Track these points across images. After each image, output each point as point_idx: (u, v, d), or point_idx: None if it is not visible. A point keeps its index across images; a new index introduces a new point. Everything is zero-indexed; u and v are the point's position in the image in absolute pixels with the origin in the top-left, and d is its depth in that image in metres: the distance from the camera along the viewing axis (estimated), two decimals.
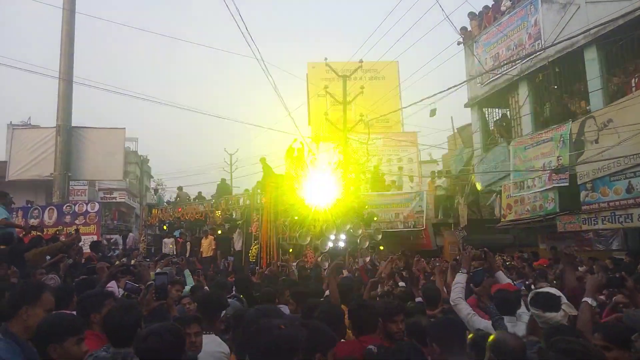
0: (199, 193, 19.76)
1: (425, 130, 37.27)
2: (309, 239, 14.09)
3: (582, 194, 11.50)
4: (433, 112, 15.69)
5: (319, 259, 13.85)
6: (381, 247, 15.59)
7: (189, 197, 19.75)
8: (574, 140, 11.85)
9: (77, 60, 13.46)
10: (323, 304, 3.93)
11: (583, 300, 3.44)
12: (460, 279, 4.10)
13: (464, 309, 3.82)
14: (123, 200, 35.47)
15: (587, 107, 12.37)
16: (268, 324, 2.14)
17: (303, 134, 25.69)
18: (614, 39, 11.22)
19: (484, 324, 3.62)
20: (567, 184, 11.88)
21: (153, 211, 18.60)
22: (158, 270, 6.16)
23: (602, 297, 5.15)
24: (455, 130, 19.27)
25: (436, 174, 19.71)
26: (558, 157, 12.19)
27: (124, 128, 15.51)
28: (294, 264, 12.87)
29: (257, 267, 12.95)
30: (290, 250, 13.61)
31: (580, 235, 12.65)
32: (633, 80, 11.17)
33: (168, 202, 20.80)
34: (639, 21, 10.36)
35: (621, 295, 4.21)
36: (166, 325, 2.61)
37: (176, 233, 17.90)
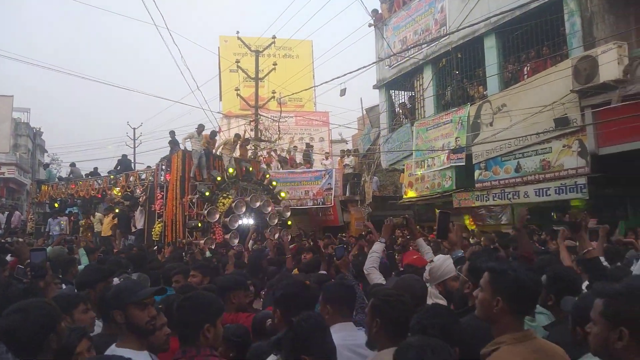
0: (95, 169, 18.45)
1: (336, 110, 37.84)
2: (217, 216, 13.79)
3: (476, 172, 12.30)
4: (343, 92, 15.86)
5: (228, 236, 13.64)
6: (289, 222, 15.66)
7: (82, 175, 18.35)
8: (471, 122, 12.59)
9: None
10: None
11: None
12: (377, 248, 4.14)
13: (376, 279, 3.88)
14: (12, 175, 32.42)
15: (485, 92, 13.17)
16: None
17: (214, 109, 24.98)
18: (511, 28, 11.98)
19: None
20: (463, 164, 12.63)
21: (43, 188, 17.15)
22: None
23: None
24: (364, 111, 19.71)
25: (345, 153, 20.09)
26: (456, 138, 12.91)
27: (12, 96, 14.02)
28: (202, 241, 12.54)
29: (163, 246, 12.47)
30: (200, 224, 13.19)
31: (474, 211, 13.59)
32: (525, 68, 12.04)
33: (60, 179, 19.24)
34: (534, 13, 11.11)
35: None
36: (36, 301, 2.33)
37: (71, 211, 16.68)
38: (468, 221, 13.33)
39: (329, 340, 2.00)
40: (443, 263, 3.59)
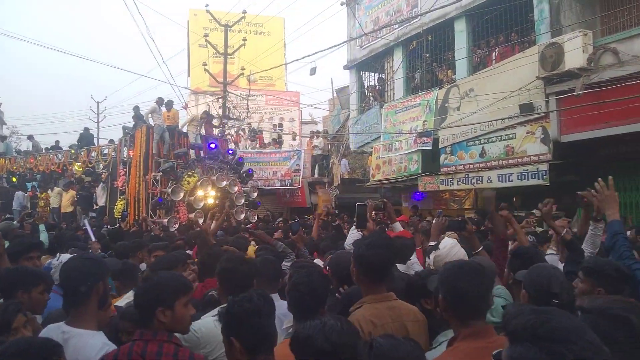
0: (56, 142, 17.83)
1: (307, 90, 37.50)
2: (182, 194, 13.52)
3: (442, 157, 12.37)
4: (313, 71, 15.69)
5: (192, 215, 13.40)
6: (257, 202, 15.56)
7: (42, 148, 17.71)
8: (439, 106, 12.61)
9: None
10: None
11: (429, 244, 3.81)
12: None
13: None
14: None
15: (453, 76, 13.20)
16: None
17: (182, 84, 24.36)
18: (481, 12, 11.97)
19: None
20: (430, 147, 12.68)
21: (0, 161, 16.44)
22: None
23: None
24: (334, 92, 19.56)
25: (315, 134, 19.95)
26: (424, 121, 12.93)
27: None
28: (165, 220, 12.28)
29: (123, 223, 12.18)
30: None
31: (438, 195, 13.73)
32: (494, 53, 12.09)
33: (18, 152, 18.51)
34: None
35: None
36: None
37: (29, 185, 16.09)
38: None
39: (265, 324, 1.94)
40: (451, 250, 3.43)
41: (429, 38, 13.92)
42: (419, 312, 2.53)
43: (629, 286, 2.57)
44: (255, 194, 16.08)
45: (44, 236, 6.75)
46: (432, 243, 3.90)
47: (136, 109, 15.41)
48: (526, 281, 2.53)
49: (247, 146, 19.17)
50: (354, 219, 5.36)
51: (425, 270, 3.18)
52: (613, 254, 2.97)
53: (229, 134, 18.45)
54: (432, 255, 3.56)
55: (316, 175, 18.31)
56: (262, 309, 1.95)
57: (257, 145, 19.41)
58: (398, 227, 4.98)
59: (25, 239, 4.44)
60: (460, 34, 12.83)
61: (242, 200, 15.43)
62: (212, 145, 14.24)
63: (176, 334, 2.23)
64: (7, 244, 3.92)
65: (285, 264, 4.27)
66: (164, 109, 13.86)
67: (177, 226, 11.92)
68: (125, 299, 3.38)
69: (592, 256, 3.01)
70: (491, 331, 2.03)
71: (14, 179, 16.15)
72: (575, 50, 8.97)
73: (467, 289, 1.98)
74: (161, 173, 13.16)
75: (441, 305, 2.09)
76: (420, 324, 2.47)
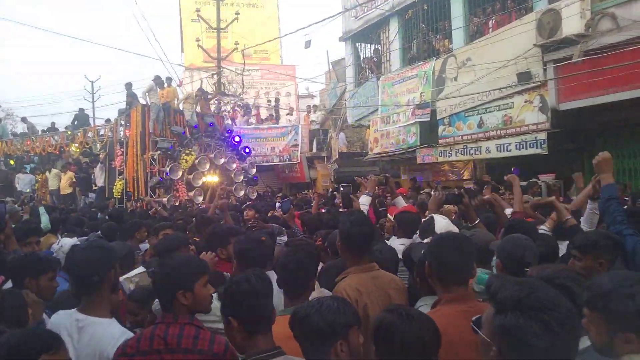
0: (52, 124, 17.69)
1: (303, 64, 37.06)
2: (180, 173, 13.52)
3: (440, 128, 12.32)
4: (308, 44, 15.49)
5: (192, 194, 13.44)
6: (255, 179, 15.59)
7: (37, 130, 17.57)
8: (436, 77, 12.49)
9: None
10: None
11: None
12: (364, 201, 4.61)
13: None
14: None
15: (450, 46, 13.02)
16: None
17: (175, 60, 24.04)
18: None
19: None
20: (428, 119, 12.61)
21: None
22: None
23: None
24: (330, 65, 19.33)
25: (312, 108, 19.81)
26: (421, 93, 12.82)
27: None
28: (165, 199, 12.31)
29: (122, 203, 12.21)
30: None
31: (437, 167, 13.73)
32: (490, 21, 11.90)
33: (14, 134, 18.40)
34: None
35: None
36: None
37: (27, 168, 16.05)
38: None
39: (263, 304, 1.97)
40: (447, 228, 3.41)
41: (425, 7, 13.68)
42: (400, 280, 2.80)
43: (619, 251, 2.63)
44: (254, 171, 16.10)
45: (44, 219, 6.77)
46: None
47: (128, 85, 15.28)
48: (501, 251, 2.68)
49: (242, 122, 19.04)
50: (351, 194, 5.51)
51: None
52: (606, 218, 3.03)
53: (225, 111, 18.30)
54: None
55: (314, 150, 18.28)
56: (261, 289, 1.98)
57: (254, 122, 19.28)
58: (401, 201, 5.04)
59: (24, 224, 4.47)
60: (457, 2, 12.60)
61: (241, 177, 15.45)
62: (210, 124, 14.16)
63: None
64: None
65: (281, 239, 4.34)
66: (160, 87, 13.76)
67: (177, 204, 11.97)
68: (133, 273, 3.41)
69: (580, 233, 3.00)
70: (471, 296, 2.22)
71: (12, 162, 16.12)
72: (572, 16, 8.82)
73: (449, 257, 2.17)
74: (159, 152, 13.12)
75: (427, 271, 2.27)
76: (401, 291, 2.71)
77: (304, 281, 2.50)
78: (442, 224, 3.42)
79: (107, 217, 7.95)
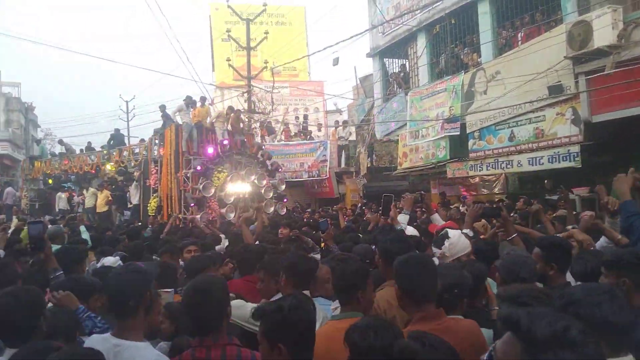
0: (88, 143, 18.35)
1: (331, 80, 37.35)
2: (212, 190, 13.78)
3: (470, 142, 12.23)
4: (336, 61, 15.66)
5: (224, 210, 13.66)
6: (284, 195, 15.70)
7: (74, 150, 18.26)
8: (465, 91, 12.44)
9: None
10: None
11: (462, 232, 3.74)
12: (402, 219, 4.65)
13: None
14: (6, 152, 32.20)
15: (479, 59, 12.98)
16: None
17: (206, 80, 24.62)
18: None
19: None
20: (458, 133, 12.54)
21: (36, 164, 17.07)
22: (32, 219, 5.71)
23: None
24: (358, 81, 19.47)
25: (340, 124, 19.94)
26: (450, 107, 12.78)
27: None
28: (198, 216, 12.56)
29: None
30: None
31: (468, 181, 13.60)
32: (519, 34, 11.82)
33: (52, 154, 19.14)
34: None
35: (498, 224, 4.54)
36: (24, 287, 2.49)
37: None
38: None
39: (314, 331, 1.99)
40: (459, 239, 3.50)
41: (452, 21, 13.71)
42: None
43: None
44: (283, 187, 16.24)
45: (85, 236, 7.02)
46: (466, 231, 3.91)
47: (162, 107, 15.73)
48: (502, 267, 2.86)
49: (268, 140, 19.29)
50: (380, 208, 5.54)
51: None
52: (631, 235, 2.96)
53: (255, 128, 18.62)
54: (447, 243, 3.57)
55: (343, 165, 18.35)
56: (315, 318, 2.00)
57: (283, 138, 19.53)
58: (438, 218, 5.01)
59: (74, 247, 4.55)
60: (484, 15, 12.58)
61: (271, 194, 15.62)
62: (225, 142, 14.24)
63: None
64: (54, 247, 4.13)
65: (314, 255, 4.41)
66: (191, 107, 14.12)
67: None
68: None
69: (609, 248, 2.96)
70: (441, 314, 2.31)
71: (50, 181, 16.73)
72: (604, 27, 8.69)
73: (416, 277, 2.31)
74: (192, 170, 13.43)
75: (397, 294, 2.38)
76: None
77: (355, 285, 2.50)
78: (456, 236, 3.48)
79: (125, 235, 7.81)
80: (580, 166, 9.54)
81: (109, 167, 15.21)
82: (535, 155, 10.54)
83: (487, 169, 11.91)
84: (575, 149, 9.65)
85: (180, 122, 13.74)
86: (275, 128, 19.99)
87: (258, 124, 19.03)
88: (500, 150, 11.47)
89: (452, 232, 3.60)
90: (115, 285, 2.34)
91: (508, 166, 11.30)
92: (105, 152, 15.88)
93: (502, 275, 2.82)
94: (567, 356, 1.14)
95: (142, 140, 16.53)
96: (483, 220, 5.43)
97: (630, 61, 8.45)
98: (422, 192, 5.31)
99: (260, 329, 1.96)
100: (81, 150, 17.73)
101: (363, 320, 1.88)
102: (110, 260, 4.13)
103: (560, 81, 9.74)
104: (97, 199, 14.82)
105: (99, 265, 4.45)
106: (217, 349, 2.11)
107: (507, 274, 2.78)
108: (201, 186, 13.41)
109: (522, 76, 10.42)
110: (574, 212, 7.13)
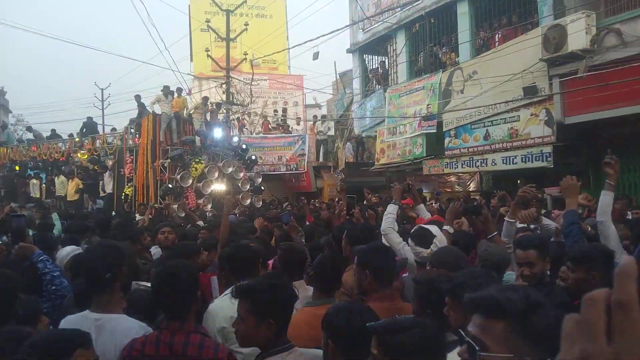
0: (52, 131, 17.91)
1: (310, 74, 37.27)
2: (190, 181, 13.67)
3: (446, 140, 12.43)
4: (316, 56, 15.67)
5: (201, 201, 13.57)
6: (262, 187, 15.70)
7: (43, 136, 17.83)
8: (442, 89, 12.62)
9: None
10: None
11: (442, 228, 3.76)
12: (391, 210, 4.28)
13: (395, 238, 3.87)
14: None
15: (456, 59, 13.17)
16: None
17: (184, 70, 24.28)
18: None
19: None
20: (434, 131, 12.73)
21: (1, 150, 16.63)
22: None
23: None
24: (338, 76, 19.51)
25: (319, 119, 19.97)
26: (428, 105, 12.95)
27: None
28: (175, 206, 12.43)
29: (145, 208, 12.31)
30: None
31: (443, 178, 13.82)
32: (497, 35, 12.04)
33: (19, 141, 18.65)
34: None
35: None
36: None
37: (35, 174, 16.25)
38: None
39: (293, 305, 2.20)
40: (442, 237, 3.48)
41: (432, 21, 13.86)
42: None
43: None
44: (260, 180, 16.22)
45: (58, 224, 6.92)
46: (446, 227, 3.93)
47: (138, 97, 15.48)
48: (483, 259, 3.23)
49: (247, 132, 19.18)
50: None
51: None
52: (568, 241, 3.24)
53: (233, 120, 18.48)
54: (437, 242, 3.62)
55: (321, 160, 18.40)
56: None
57: (262, 131, 19.45)
58: (423, 209, 5.05)
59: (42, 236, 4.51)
60: (463, 16, 12.78)
61: (247, 186, 15.58)
62: (218, 135, 14.27)
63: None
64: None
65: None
66: (170, 97, 13.94)
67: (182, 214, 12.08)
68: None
69: (574, 245, 3.10)
70: (396, 296, 2.59)
71: (17, 168, 16.32)
72: (578, 32, 8.95)
73: (382, 263, 2.57)
74: (169, 160, 13.29)
75: (362, 275, 2.56)
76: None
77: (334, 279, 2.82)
78: (435, 227, 3.54)
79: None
80: (552, 166, 9.80)
81: (80, 155, 14.91)
82: (509, 154, 10.79)
83: (462, 167, 12.13)
84: (548, 149, 9.91)
85: (159, 112, 13.55)
86: (254, 121, 19.88)
87: (236, 116, 18.89)
88: (475, 149, 11.69)
89: (432, 228, 3.53)
90: (91, 259, 2.36)
91: (483, 165, 11.54)
92: (77, 140, 15.55)
93: (483, 266, 3.06)
94: None
95: (114, 129, 16.25)
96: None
97: (602, 65, 8.72)
98: (410, 182, 5.27)
99: (245, 306, 2.01)
100: (47, 137, 17.31)
101: (339, 305, 2.04)
102: (66, 250, 4.00)
103: (535, 83, 9.99)
104: (67, 187, 14.54)
105: (57, 254, 4.28)
106: (181, 335, 2.11)
107: (488, 265, 3.04)
108: (179, 176, 13.30)
109: (498, 77, 10.64)
110: (544, 211, 7.35)
